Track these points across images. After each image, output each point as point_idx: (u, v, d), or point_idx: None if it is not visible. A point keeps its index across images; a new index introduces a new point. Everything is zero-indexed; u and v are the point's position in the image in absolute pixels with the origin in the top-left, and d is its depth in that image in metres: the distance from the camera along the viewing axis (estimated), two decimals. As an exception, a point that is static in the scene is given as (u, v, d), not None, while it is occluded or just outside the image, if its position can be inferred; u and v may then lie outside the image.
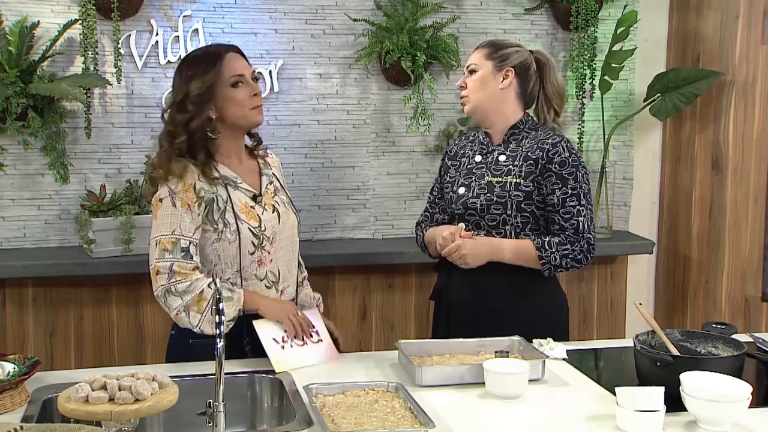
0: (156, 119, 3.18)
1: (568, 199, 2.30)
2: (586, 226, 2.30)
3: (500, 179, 2.33)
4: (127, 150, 3.18)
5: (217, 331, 1.57)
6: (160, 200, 2.11)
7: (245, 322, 2.12)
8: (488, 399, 1.85)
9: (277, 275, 2.21)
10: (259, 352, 2.11)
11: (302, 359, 2.09)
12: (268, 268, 2.20)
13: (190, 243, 2.09)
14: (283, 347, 2.09)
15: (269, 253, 2.19)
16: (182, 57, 2.26)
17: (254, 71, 2.23)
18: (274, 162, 2.37)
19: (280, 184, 2.32)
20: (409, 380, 1.94)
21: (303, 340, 2.13)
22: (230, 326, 2.08)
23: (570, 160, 2.31)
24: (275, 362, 2.05)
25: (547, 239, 2.29)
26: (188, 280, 2.06)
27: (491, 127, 2.41)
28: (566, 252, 2.28)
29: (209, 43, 2.26)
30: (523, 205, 2.32)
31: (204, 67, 2.14)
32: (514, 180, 2.32)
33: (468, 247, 2.27)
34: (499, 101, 2.37)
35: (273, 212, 2.22)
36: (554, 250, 2.27)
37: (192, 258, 2.08)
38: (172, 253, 2.06)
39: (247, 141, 2.31)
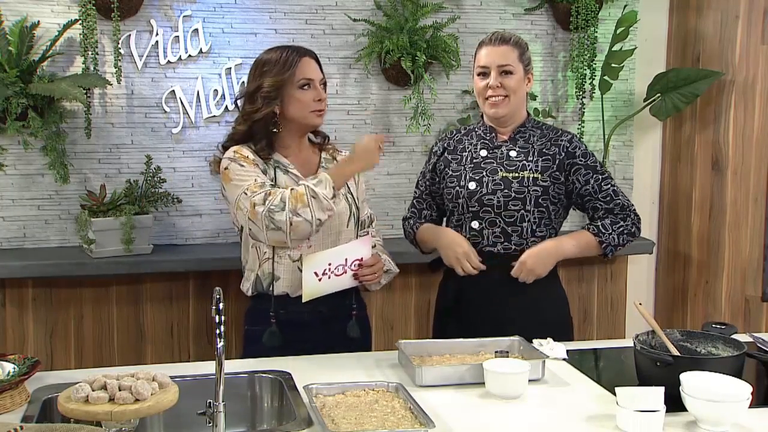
0: (156, 119, 3.18)
1: (602, 184, 2.36)
2: (627, 201, 2.38)
3: (516, 174, 2.35)
4: (127, 150, 3.17)
5: (217, 332, 1.57)
6: (226, 168, 2.28)
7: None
8: (488, 399, 1.85)
9: None
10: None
11: (331, 287, 2.26)
12: (303, 251, 2.28)
13: (271, 184, 2.26)
14: (320, 279, 2.22)
15: (307, 238, 2.28)
16: (261, 53, 2.39)
17: (323, 78, 2.35)
18: None
19: None
20: (409, 380, 1.94)
21: (344, 270, 2.25)
22: (329, 212, 2.20)
23: (588, 151, 2.40)
24: (304, 293, 2.22)
25: (599, 223, 2.34)
26: (278, 193, 2.20)
27: (507, 126, 2.43)
28: (621, 229, 2.33)
29: (289, 44, 2.41)
30: (540, 200, 2.34)
31: (280, 67, 2.31)
32: (531, 175, 2.34)
33: (531, 262, 2.28)
34: (523, 104, 2.44)
35: None
36: (610, 231, 2.32)
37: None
38: (262, 187, 2.22)
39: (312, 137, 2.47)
